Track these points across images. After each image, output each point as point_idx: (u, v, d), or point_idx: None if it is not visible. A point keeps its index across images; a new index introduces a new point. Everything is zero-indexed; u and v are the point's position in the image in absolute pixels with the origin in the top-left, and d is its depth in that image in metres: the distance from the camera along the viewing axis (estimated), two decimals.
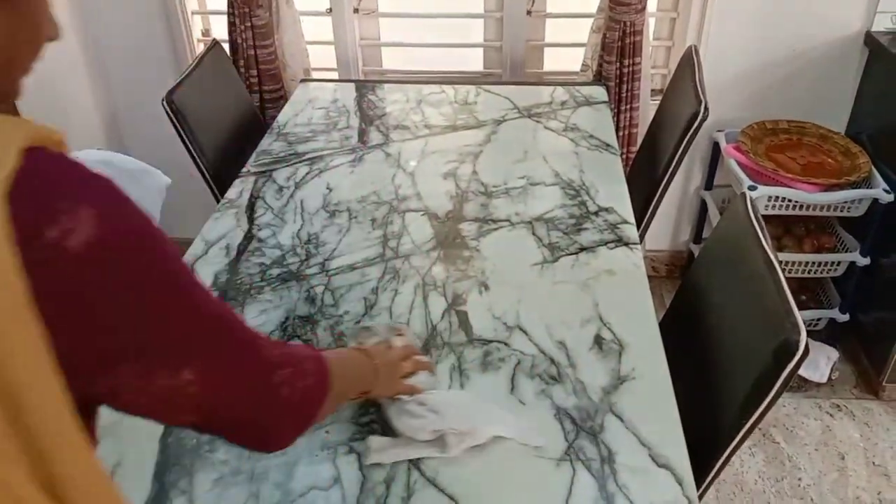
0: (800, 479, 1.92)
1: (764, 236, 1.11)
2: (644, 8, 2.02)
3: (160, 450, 1.03)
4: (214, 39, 1.98)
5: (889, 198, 1.98)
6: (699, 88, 1.63)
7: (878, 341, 2.16)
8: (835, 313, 2.22)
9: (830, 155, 2.15)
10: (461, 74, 2.39)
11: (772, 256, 1.07)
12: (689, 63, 1.75)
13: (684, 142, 1.59)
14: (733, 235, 1.21)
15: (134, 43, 2.31)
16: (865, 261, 2.10)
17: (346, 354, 1.01)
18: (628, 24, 2.03)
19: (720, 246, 1.28)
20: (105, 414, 1.05)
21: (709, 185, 2.42)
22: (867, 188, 2.03)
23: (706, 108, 1.55)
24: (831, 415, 2.10)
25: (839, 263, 2.15)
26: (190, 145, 1.70)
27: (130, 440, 1.04)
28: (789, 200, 2.02)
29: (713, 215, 2.35)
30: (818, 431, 2.05)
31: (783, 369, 0.94)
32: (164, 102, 1.65)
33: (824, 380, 2.17)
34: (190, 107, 1.71)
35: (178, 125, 1.67)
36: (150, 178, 1.36)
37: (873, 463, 1.96)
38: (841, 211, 2.06)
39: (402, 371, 1.03)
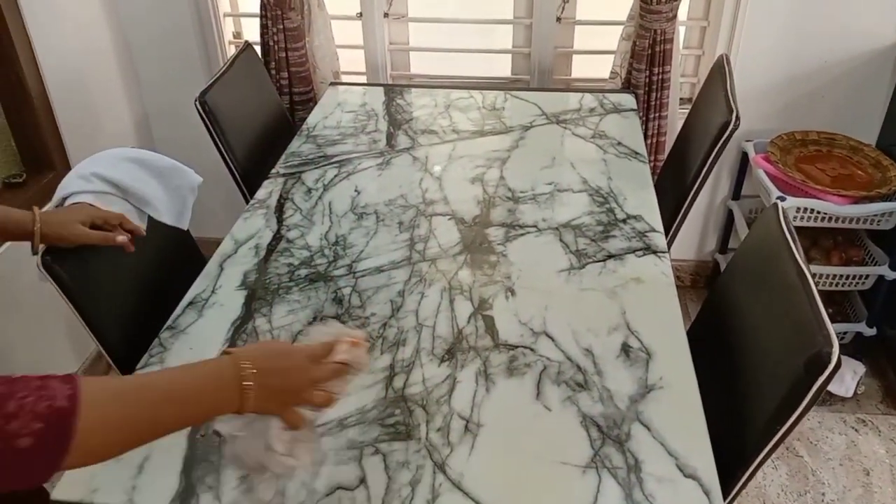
0: (823, 494, 1.89)
1: (796, 247, 1.10)
2: (675, 16, 2.01)
3: (188, 446, 1.04)
4: (247, 41, 2.00)
5: None
6: (730, 97, 1.62)
7: None
8: (862, 327, 2.19)
9: (861, 167, 2.13)
10: (489, 80, 2.40)
11: (804, 268, 1.06)
12: (720, 72, 1.74)
13: (714, 151, 1.58)
14: (764, 246, 1.20)
15: (166, 44, 2.34)
16: (894, 275, 2.07)
17: (163, 376, 0.79)
18: (659, 32, 2.02)
19: (750, 256, 1.27)
20: None
21: (736, 195, 2.41)
22: None
23: (737, 118, 1.54)
24: (856, 430, 2.07)
25: (867, 277, 2.12)
26: (221, 145, 1.73)
27: None
28: (818, 212, 2.00)
29: (740, 226, 2.33)
30: (843, 446, 2.02)
31: (814, 382, 0.93)
32: (197, 103, 1.67)
33: (850, 394, 2.14)
34: (222, 107, 1.73)
35: (209, 125, 1.69)
36: (181, 177, 1.38)
37: None
38: (870, 224, 2.04)
39: (306, 368, 0.81)
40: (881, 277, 2.10)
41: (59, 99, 2.05)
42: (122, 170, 1.30)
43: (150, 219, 1.37)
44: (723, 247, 2.52)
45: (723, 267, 2.47)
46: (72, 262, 1.20)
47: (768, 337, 1.10)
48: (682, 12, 2.14)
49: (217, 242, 1.48)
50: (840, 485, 1.92)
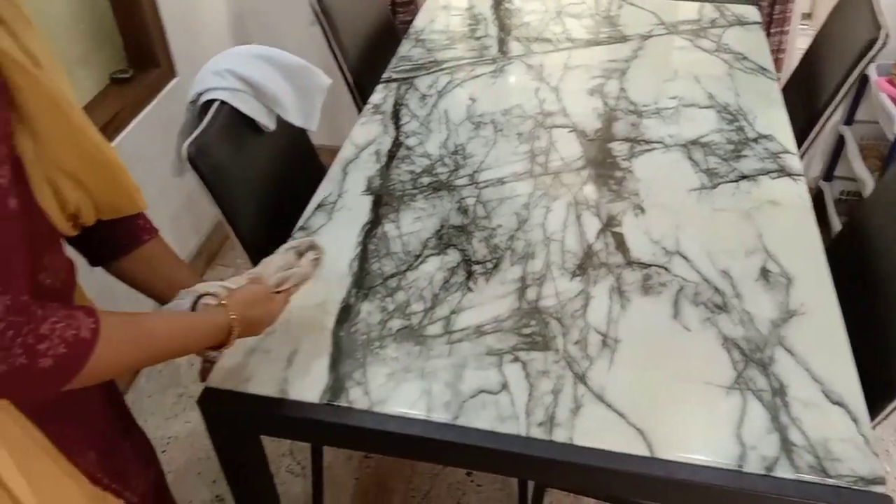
0: None
1: None
2: None
3: (333, 342, 1.07)
4: None
5: None
6: (876, 12, 1.51)
7: None
8: None
9: None
10: None
11: None
12: None
13: (855, 71, 1.49)
14: None
15: None
16: None
17: (169, 324, 0.85)
18: None
19: None
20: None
21: (849, 119, 2.29)
22: None
23: (887, 35, 1.44)
24: None
25: None
26: (335, 47, 1.70)
27: (303, 331, 1.09)
28: None
29: (851, 152, 2.23)
30: None
31: None
32: (314, 2, 1.63)
33: None
34: (336, 8, 1.69)
35: (325, 26, 1.66)
36: (310, 77, 1.36)
37: None
38: None
39: (277, 307, 0.96)
40: None
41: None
42: (253, 67, 1.29)
43: (278, 119, 1.37)
44: (828, 173, 2.42)
45: (827, 195, 2.38)
46: (212, 156, 1.22)
47: None
48: None
49: (323, 148, 1.47)
50: None
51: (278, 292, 0.97)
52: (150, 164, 2.04)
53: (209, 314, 0.88)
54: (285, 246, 1.04)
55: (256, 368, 1.03)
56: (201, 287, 0.91)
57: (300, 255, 1.03)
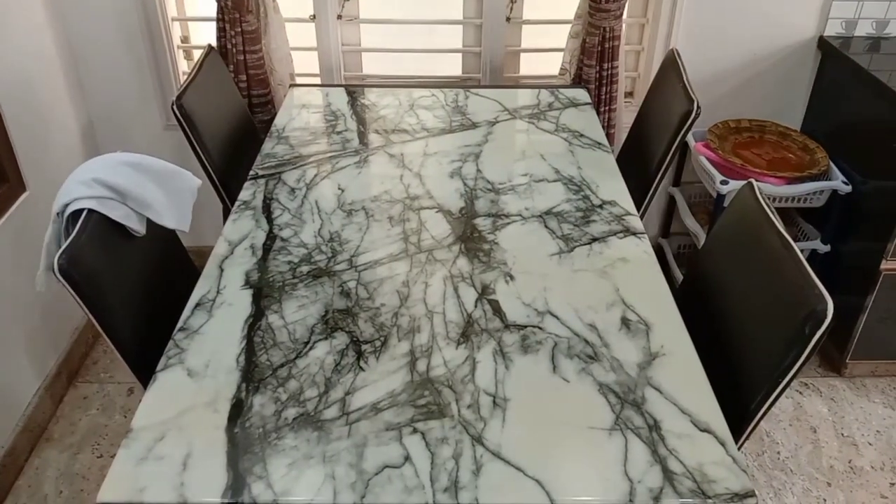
0: (779, 453, 2.06)
1: (776, 219, 1.22)
2: (622, 14, 2.14)
3: (227, 439, 1.06)
4: (210, 45, 1.98)
5: (847, 189, 2.15)
6: (688, 88, 1.74)
7: (838, 324, 2.33)
8: None
9: (790, 150, 2.32)
10: (443, 79, 2.46)
11: (787, 236, 1.17)
12: (672, 65, 1.87)
13: (678, 139, 1.70)
14: (744, 221, 1.32)
15: (113, 50, 2.28)
16: (826, 248, 2.27)
17: None
18: (608, 29, 2.14)
19: (730, 231, 1.39)
20: (166, 407, 1.08)
21: (677, 181, 2.56)
22: (826, 181, 2.19)
23: (698, 106, 1.67)
24: (801, 392, 2.26)
25: (802, 252, 2.31)
26: (199, 149, 1.72)
27: (195, 431, 1.07)
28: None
29: (682, 210, 2.49)
30: (790, 408, 2.20)
31: (812, 337, 1.05)
32: (174, 107, 1.66)
33: None
34: (196, 111, 1.72)
35: (187, 129, 1.68)
36: (180, 180, 1.37)
37: (842, 434, 2.12)
38: (803, 202, 2.22)
39: None
40: (814, 251, 2.29)
41: (10, 112, 1.97)
42: (121, 174, 1.29)
43: (148, 223, 1.36)
44: (665, 231, 2.68)
45: (667, 249, 2.63)
46: (85, 266, 1.19)
47: (759, 302, 1.22)
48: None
49: (191, 250, 1.47)
50: (792, 443, 2.09)
51: None
52: (1, 285, 1.92)
53: None
54: None
55: (150, 476, 1.00)
56: None
57: None
